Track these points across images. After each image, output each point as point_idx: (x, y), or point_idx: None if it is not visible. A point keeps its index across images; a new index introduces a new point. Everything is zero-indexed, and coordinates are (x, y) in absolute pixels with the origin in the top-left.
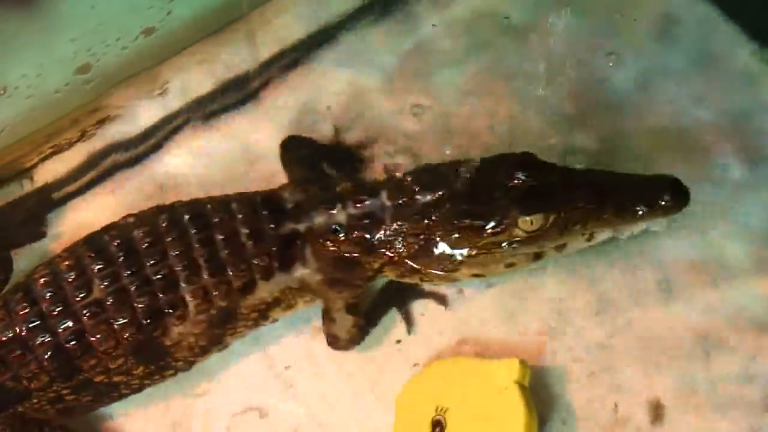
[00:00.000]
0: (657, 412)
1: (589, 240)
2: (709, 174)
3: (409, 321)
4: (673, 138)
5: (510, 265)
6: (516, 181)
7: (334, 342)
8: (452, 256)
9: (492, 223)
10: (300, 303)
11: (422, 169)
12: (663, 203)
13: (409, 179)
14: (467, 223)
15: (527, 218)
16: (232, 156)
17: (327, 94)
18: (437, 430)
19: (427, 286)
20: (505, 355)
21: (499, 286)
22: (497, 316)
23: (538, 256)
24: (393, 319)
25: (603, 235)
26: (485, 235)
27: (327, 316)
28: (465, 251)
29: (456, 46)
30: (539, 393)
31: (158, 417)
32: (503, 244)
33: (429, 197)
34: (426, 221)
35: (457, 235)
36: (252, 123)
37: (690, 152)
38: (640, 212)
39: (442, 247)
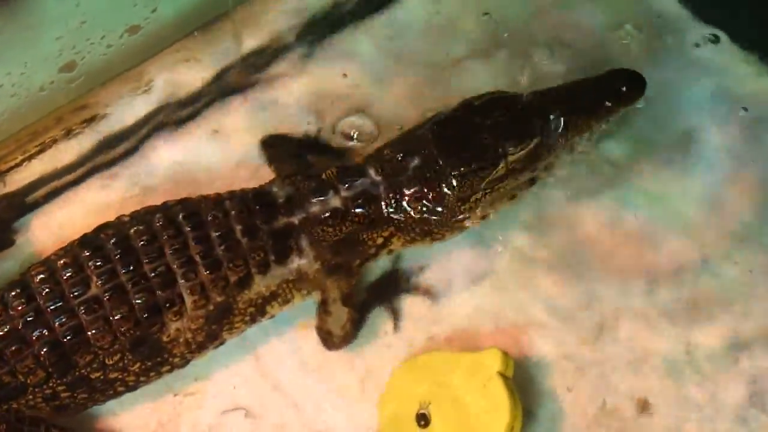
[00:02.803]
0: (644, 407)
1: (571, 151)
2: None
3: (396, 317)
4: None
5: (512, 197)
6: (494, 118)
7: (327, 339)
8: (461, 204)
9: (489, 163)
10: (297, 296)
11: (397, 139)
12: (624, 93)
13: (389, 151)
14: (466, 170)
15: (518, 148)
16: (217, 153)
17: (312, 89)
18: (422, 423)
19: (413, 281)
20: None
21: (488, 281)
22: (485, 311)
23: (533, 182)
24: (380, 316)
25: (580, 143)
26: (486, 175)
27: (322, 309)
28: (472, 196)
29: (438, 35)
30: (527, 387)
31: (146, 416)
32: (505, 179)
33: (417, 160)
34: (422, 183)
35: (459, 184)
36: (237, 120)
37: None
38: (609, 105)
39: (449, 200)
